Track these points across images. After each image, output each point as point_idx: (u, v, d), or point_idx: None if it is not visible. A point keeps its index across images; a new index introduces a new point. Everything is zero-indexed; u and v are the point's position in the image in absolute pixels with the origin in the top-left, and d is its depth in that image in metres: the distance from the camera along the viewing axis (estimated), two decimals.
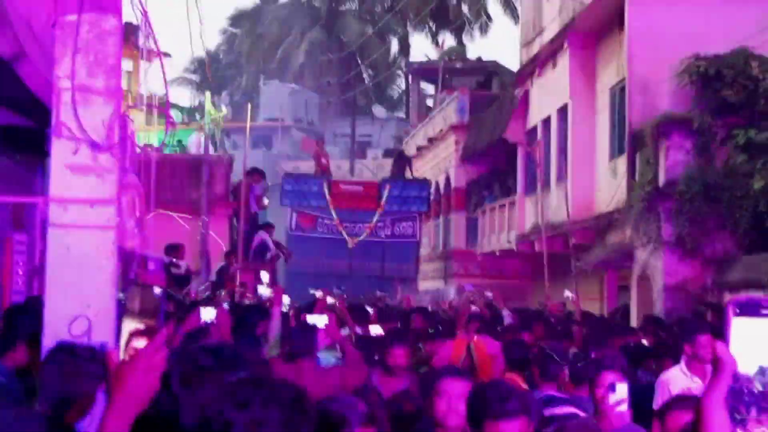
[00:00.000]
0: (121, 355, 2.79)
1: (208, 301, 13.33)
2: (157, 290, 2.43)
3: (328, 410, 4.19)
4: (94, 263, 5.51)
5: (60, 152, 5.55)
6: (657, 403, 8.12)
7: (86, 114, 5.49)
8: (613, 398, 5.77)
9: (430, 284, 35.70)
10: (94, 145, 5.44)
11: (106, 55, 5.58)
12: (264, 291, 14.74)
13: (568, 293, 17.49)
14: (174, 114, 24.70)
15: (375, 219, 30.45)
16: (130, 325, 2.43)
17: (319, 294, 14.75)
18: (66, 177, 5.53)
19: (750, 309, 1.79)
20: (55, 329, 5.42)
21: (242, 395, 2.43)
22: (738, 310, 1.79)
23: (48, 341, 5.30)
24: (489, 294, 18.14)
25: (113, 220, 5.52)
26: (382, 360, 7.98)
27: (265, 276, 17.58)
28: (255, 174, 26.07)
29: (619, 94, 22.25)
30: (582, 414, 6.86)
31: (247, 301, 17.77)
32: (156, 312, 2.48)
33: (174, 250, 20.73)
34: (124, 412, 2.64)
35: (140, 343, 2.46)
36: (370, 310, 14.64)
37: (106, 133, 5.47)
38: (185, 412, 2.50)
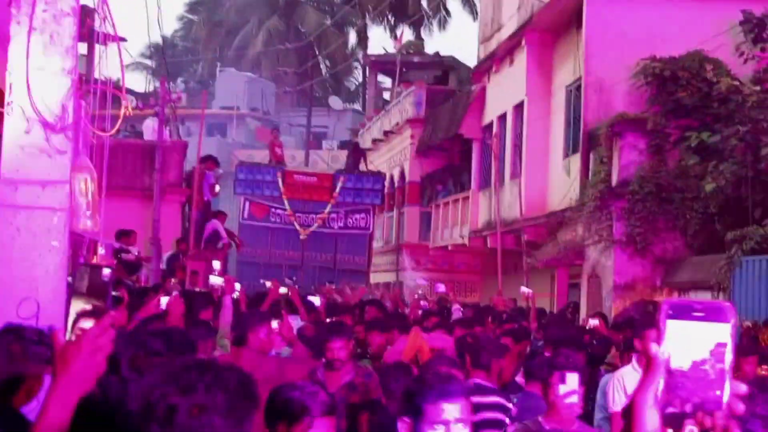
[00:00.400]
0: (68, 336, 2.73)
1: (158, 289, 13.23)
2: (106, 271, 2.39)
3: (289, 398, 4.17)
4: (44, 245, 5.43)
5: (12, 131, 5.46)
6: (612, 399, 8.20)
7: (40, 94, 5.41)
8: (563, 389, 5.73)
9: (382, 277, 35.70)
10: (48, 125, 5.36)
11: (63, 36, 5.51)
12: (216, 280, 14.60)
13: (524, 289, 17.51)
14: (129, 99, 24.38)
15: (328, 210, 30.39)
16: (77, 305, 2.40)
17: (269, 284, 14.65)
18: (17, 157, 5.44)
19: (682, 311, 1.83)
20: (2, 311, 5.34)
21: (186, 379, 2.39)
22: (671, 312, 1.81)
23: None
24: (441, 287, 18.15)
25: (65, 201, 5.44)
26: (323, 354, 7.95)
27: (216, 264, 17.45)
28: (209, 161, 25.91)
29: (575, 92, 22.38)
30: (508, 404, 6.94)
31: (197, 289, 17.66)
32: (104, 293, 2.44)
33: (125, 235, 20.52)
34: (68, 393, 2.60)
35: (87, 324, 2.42)
36: (317, 301, 14.57)
37: (60, 113, 5.39)
38: (133, 397, 2.47)
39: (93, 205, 5.55)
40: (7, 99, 5.48)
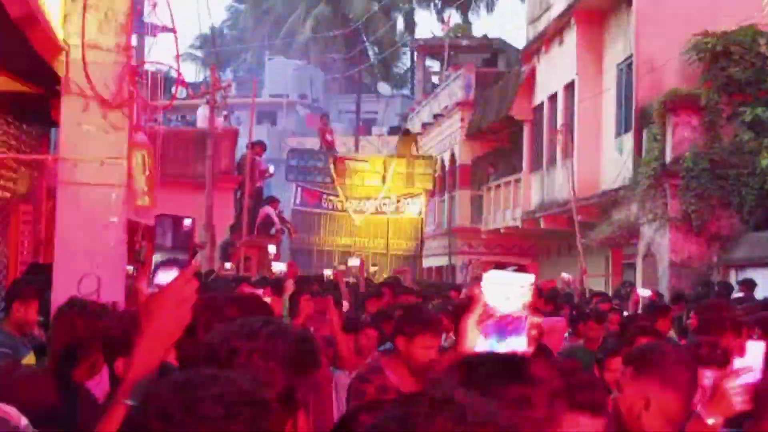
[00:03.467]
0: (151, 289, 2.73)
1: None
2: (187, 222, 2.41)
3: None
4: (104, 220, 5.48)
5: (70, 110, 5.52)
6: None
7: (96, 71, 5.46)
8: None
9: (434, 261, 35.69)
10: (104, 102, 5.40)
11: (117, 13, 5.55)
12: (278, 266, 14.82)
13: (565, 275, 17.34)
14: (180, 90, 24.59)
15: (380, 196, 30.41)
16: (159, 258, 2.41)
17: (356, 262, 14.77)
18: (76, 134, 5.49)
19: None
20: (64, 287, 5.40)
21: (249, 327, 2.44)
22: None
23: (58, 299, 5.27)
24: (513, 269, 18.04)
25: (123, 178, 5.49)
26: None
27: (272, 249, 17.54)
28: (257, 146, 26.04)
29: (626, 70, 22.18)
30: None
31: (251, 275, 17.80)
32: (186, 244, 2.45)
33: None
34: (154, 344, 2.60)
35: (169, 275, 2.44)
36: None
37: (116, 90, 5.44)
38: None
39: (150, 181, 5.59)
40: (63, 78, 5.53)
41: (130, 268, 8.55)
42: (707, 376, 4.01)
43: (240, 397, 1.80)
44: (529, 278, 2.73)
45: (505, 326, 2.65)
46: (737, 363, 3.77)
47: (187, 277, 2.62)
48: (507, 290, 2.69)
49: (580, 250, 19.78)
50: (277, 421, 1.90)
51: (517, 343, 2.60)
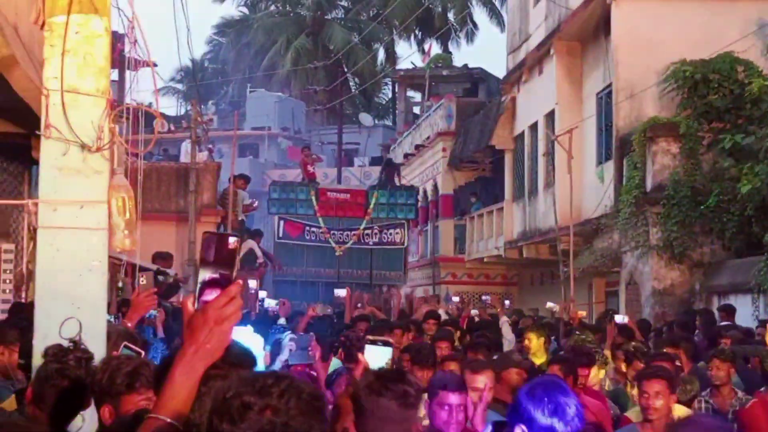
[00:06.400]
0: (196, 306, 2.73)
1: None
2: (232, 240, 2.43)
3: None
4: (84, 265, 5.47)
5: (49, 154, 5.51)
6: None
7: (75, 115, 5.46)
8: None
9: (419, 292, 35.67)
10: (84, 146, 5.41)
11: (96, 57, 5.56)
12: (270, 302, 14.94)
13: (550, 304, 17.32)
14: (161, 121, 24.59)
15: (362, 226, 30.42)
16: (204, 275, 2.41)
17: (343, 293, 14.83)
18: (55, 178, 5.49)
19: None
20: (45, 331, 5.39)
21: (262, 383, 2.44)
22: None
23: (39, 343, 5.26)
24: (487, 298, 18.05)
25: (104, 221, 5.49)
26: None
27: (252, 283, 17.53)
28: (240, 179, 26.01)
29: (605, 99, 22.32)
30: None
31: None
32: (231, 261, 2.45)
33: (162, 258, 20.64)
34: (194, 362, 2.61)
35: (212, 294, 2.45)
36: None
37: (96, 134, 5.44)
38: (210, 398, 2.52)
39: (131, 224, 5.59)
40: (43, 122, 5.54)
41: (111, 317, 8.51)
42: None
43: None
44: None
45: None
46: None
47: (230, 296, 2.62)
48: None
49: (571, 276, 19.82)
50: None
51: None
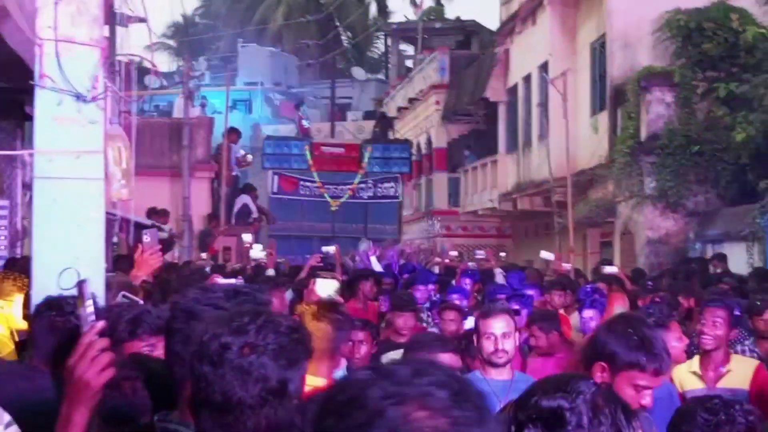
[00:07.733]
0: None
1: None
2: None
3: None
4: (82, 215, 5.46)
5: (44, 104, 5.48)
6: None
7: (70, 65, 5.43)
8: None
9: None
10: (79, 96, 5.37)
11: (89, 5, 5.52)
12: (257, 254, 14.83)
13: (544, 254, 17.17)
14: (153, 80, 24.52)
15: (357, 180, 30.36)
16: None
17: (332, 250, 14.79)
18: (51, 129, 5.46)
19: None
20: (43, 283, 5.38)
21: (239, 322, 2.44)
22: None
23: (37, 295, 5.25)
24: (481, 252, 18.01)
25: (100, 171, 5.47)
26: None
27: (248, 237, 17.49)
28: (232, 134, 25.95)
29: (599, 49, 22.22)
30: None
31: (229, 265, 17.77)
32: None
33: (157, 214, 20.67)
34: (73, 410, 2.76)
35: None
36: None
37: (90, 83, 5.41)
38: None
39: (127, 174, 5.57)
40: (37, 72, 5.50)
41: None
42: None
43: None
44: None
45: None
46: None
47: (92, 336, 2.81)
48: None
49: (570, 227, 19.81)
50: None
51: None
